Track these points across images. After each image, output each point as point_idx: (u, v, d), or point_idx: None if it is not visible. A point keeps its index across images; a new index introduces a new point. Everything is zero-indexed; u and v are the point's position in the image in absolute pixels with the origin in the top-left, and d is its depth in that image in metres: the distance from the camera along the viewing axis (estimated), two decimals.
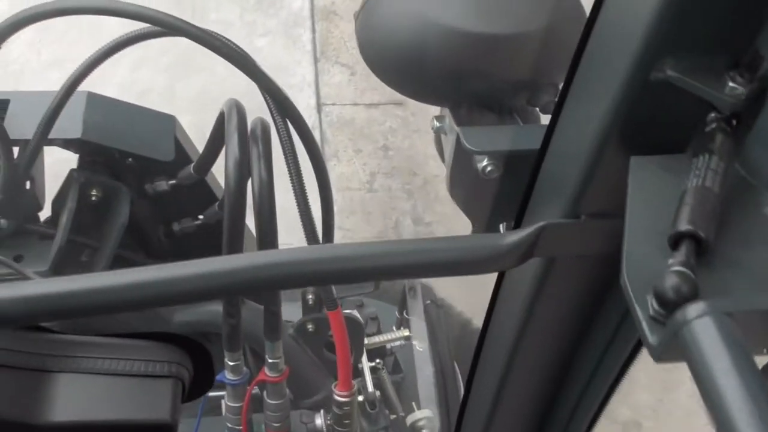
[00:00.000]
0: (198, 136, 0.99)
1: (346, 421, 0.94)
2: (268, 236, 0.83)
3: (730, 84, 0.36)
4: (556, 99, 0.54)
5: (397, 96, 2.87)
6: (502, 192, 0.61)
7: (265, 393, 0.92)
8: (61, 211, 0.94)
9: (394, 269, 0.45)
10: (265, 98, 0.88)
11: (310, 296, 1.08)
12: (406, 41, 0.65)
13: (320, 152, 0.90)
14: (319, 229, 0.92)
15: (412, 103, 2.86)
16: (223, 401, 0.91)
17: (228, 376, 0.88)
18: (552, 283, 0.51)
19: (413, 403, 1.28)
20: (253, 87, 0.89)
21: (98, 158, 0.94)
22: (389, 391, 1.35)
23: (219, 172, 1.00)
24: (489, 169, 0.59)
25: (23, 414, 0.53)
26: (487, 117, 0.65)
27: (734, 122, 0.38)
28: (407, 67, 0.67)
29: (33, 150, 0.86)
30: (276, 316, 0.85)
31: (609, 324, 0.54)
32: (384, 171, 2.45)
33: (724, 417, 0.29)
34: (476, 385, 0.71)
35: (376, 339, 1.32)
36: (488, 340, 0.63)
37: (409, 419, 1.26)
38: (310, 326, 1.09)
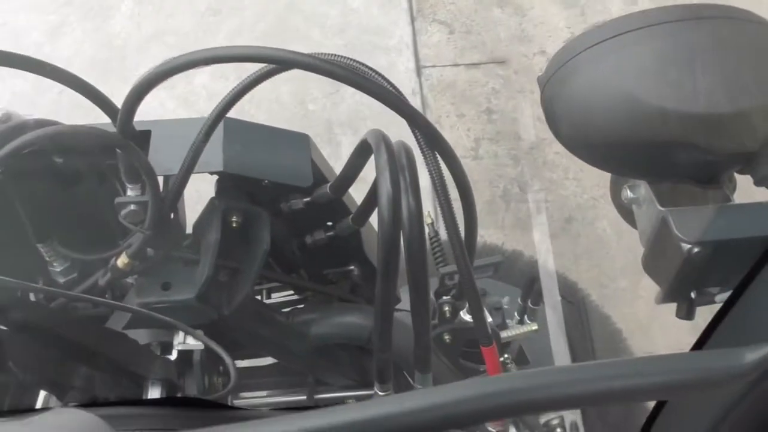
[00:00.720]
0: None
1: None
2: (417, 267, 0.81)
3: None
4: None
5: (498, 53, 2.77)
6: (705, 267, 0.56)
7: None
8: (203, 238, 0.95)
9: (625, 392, 0.41)
10: (414, 133, 0.84)
11: (447, 308, 1.06)
12: (613, 121, 0.59)
13: (470, 188, 0.86)
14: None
15: (514, 60, 2.76)
16: None
17: None
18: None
19: None
20: None
21: (236, 183, 0.93)
22: None
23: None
24: (698, 253, 0.55)
25: None
26: (691, 190, 0.60)
27: None
28: (611, 148, 0.62)
29: (179, 185, 0.86)
30: (427, 349, 0.83)
31: None
32: (488, 136, 2.38)
33: None
34: None
35: (504, 335, 1.29)
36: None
37: (543, 418, 1.24)
38: (447, 337, 1.07)
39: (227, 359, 0.88)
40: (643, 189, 0.63)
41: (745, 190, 0.70)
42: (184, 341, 0.95)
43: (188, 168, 0.85)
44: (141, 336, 0.96)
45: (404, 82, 2.50)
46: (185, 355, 0.96)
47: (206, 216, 0.94)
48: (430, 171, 0.82)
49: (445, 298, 1.06)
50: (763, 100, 0.56)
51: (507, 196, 2.22)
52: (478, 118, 2.44)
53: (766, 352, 0.40)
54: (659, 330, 1.84)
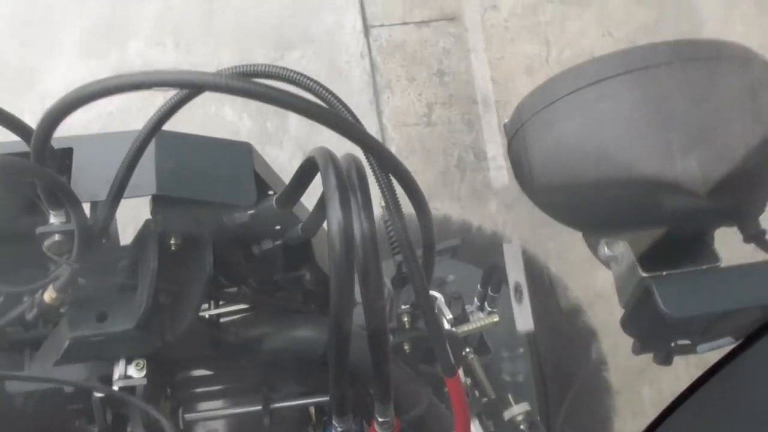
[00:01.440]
0: None
1: None
2: (372, 292, 0.75)
3: None
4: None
5: (449, 10, 2.66)
6: (688, 328, 0.52)
7: None
8: (140, 262, 0.87)
9: None
10: (367, 157, 0.77)
11: (406, 318, 1.01)
12: (585, 182, 0.53)
13: (429, 210, 0.79)
14: None
15: (466, 17, 2.66)
16: None
17: None
18: None
19: (509, 396, 1.23)
20: None
21: (174, 202, 0.85)
22: (480, 375, 1.30)
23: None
24: (683, 320, 0.50)
25: None
26: (674, 252, 0.54)
27: None
28: (583, 207, 0.55)
29: (107, 212, 0.78)
30: (387, 378, 0.78)
31: None
32: (441, 101, 2.31)
33: None
34: None
35: (465, 328, 1.25)
36: None
37: (507, 414, 1.21)
38: (406, 347, 1.03)
39: (165, 423, 0.82)
40: (623, 247, 0.58)
41: None
42: (125, 374, 0.87)
43: (117, 193, 0.77)
44: (78, 370, 0.88)
45: (352, 43, 2.39)
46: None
47: (142, 239, 0.86)
48: (382, 191, 0.75)
49: (404, 307, 1.01)
50: (757, 154, 0.50)
51: (462, 165, 2.17)
52: (429, 81, 2.36)
53: None
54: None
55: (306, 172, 0.80)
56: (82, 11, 2.49)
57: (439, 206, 1.98)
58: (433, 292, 1.34)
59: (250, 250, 0.99)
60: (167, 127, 0.78)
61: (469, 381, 1.25)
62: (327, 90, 0.74)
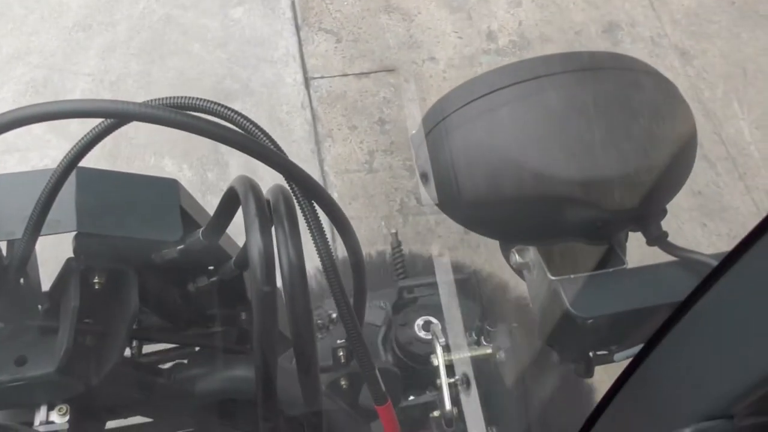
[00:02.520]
0: None
1: None
2: (300, 322, 0.74)
3: None
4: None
5: (388, 61, 2.73)
6: (601, 334, 0.53)
7: None
8: (62, 303, 0.85)
9: None
10: (290, 185, 0.78)
11: (341, 353, 1.00)
12: (492, 185, 0.54)
13: (353, 232, 0.80)
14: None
15: (404, 68, 2.73)
16: None
17: None
18: None
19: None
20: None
21: (97, 239, 0.84)
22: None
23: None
24: (593, 323, 0.51)
25: None
26: (583, 252, 0.56)
27: None
28: (491, 212, 0.57)
29: (24, 249, 0.76)
30: (318, 416, 0.77)
31: None
32: (383, 148, 2.34)
33: None
34: None
35: (456, 357, 1.22)
36: None
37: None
38: (343, 383, 1.01)
39: None
40: (533, 254, 0.59)
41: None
42: (47, 420, 0.84)
43: (35, 229, 0.75)
44: None
45: (292, 95, 2.42)
46: None
47: (63, 279, 0.84)
48: (307, 220, 0.76)
49: (339, 342, 1.00)
50: (649, 160, 0.52)
51: (404, 210, 2.19)
52: (371, 129, 2.39)
53: None
54: None
55: (228, 201, 0.80)
56: (18, 70, 2.47)
57: (385, 250, 1.98)
58: (431, 318, 1.34)
59: (186, 288, 0.98)
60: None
61: (455, 411, 1.22)
62: (246, 119, 0.75)
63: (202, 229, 0.87)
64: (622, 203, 0.53)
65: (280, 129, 2.29)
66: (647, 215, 0.54)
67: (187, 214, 0.87)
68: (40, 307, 0.87)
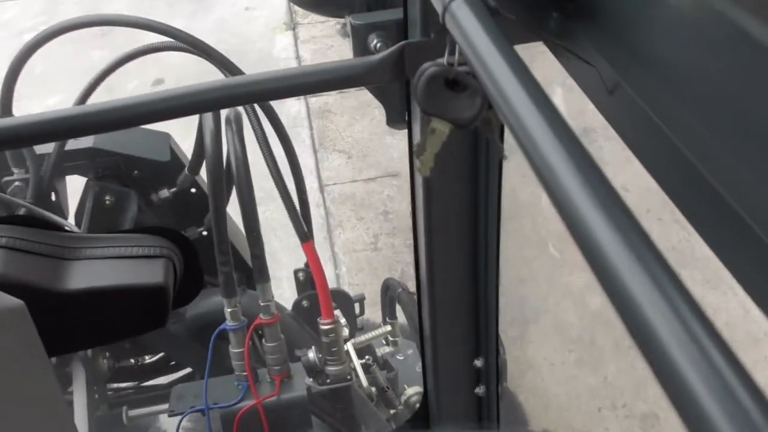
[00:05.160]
0: None
1: (334, 349, 1.06)
2: (247, 203, 1.01)
3: None
4: None
5: (392, 169, 3.08)
6: None
7: (263, 339, 1.06)
8: (81, 218, 1.13)
9: (294, 88, 0.63)
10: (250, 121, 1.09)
11: (301, 274, 1.23)
12: None
13: (287, 133, 1.09)
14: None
15: (405, 173, 3.08)
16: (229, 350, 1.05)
17: (228, 323, 1.03)
18: None
19: (404, 385, 1.39)
20: None
21: (108, 172, 1.14)
22: (384, 386, 1.46)
23: None
24: (379, 46, 0.76)
25: (46, 283, 0.67)
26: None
27: None
28: None
29: (54, 162, 1.06)
30: (261, 259, 1.01)
31: None
32: (386, 232, 2.63)
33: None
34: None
35: (362, 338, 1.42)
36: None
37: (403, 398, 1.36)
38: (305, 303, 1.23)
39: None
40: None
41: None
42: None
43: (60, 145, 1.06)
44: None
45: (309, 198, 2.77)
46: None
47: (83, 198, 1.13)
48: (250, 120, 1.05)
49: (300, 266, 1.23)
50: None
51: (405, 278, 2.42)
52: (375, 218, 2.70)
53: (386, 53, 0.62)
54: None
55: (200, 129, 1.11)
56: None
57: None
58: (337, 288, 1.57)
59: (149, 198, 1.24)
60: None
61: (374, 390, 1.39)
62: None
63: (187, 166, 1.18)
64: None
65: None
66: None
67: (175, 155, 1.18)
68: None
